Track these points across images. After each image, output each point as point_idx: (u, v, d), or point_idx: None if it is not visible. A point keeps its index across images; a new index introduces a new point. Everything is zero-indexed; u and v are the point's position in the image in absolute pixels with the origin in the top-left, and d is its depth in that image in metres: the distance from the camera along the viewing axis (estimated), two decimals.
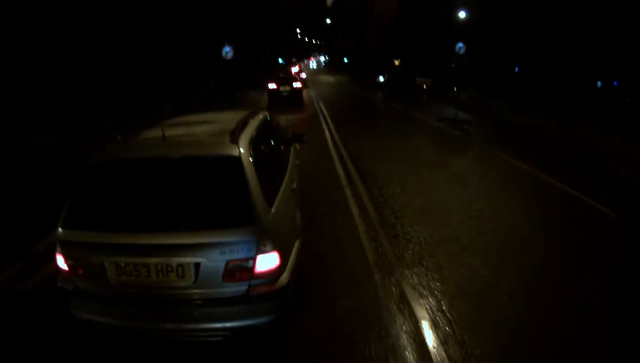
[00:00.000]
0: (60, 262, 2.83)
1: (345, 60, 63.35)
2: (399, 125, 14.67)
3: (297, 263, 3.21)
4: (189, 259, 2.63)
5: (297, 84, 19.75)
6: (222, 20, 25.26)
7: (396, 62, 38.07)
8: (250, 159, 2.95)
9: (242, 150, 2.93)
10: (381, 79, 33.43)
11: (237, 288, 2.71)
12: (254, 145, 3.23)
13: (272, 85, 19.47)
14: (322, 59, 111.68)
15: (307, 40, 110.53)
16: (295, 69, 44.66)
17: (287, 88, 19.32)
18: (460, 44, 16.57)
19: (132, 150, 3.10)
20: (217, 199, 2.79)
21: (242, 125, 3.47)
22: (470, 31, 22.10)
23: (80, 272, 2.77)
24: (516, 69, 25.00)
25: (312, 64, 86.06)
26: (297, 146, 6.21)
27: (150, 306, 2.77)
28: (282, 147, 4.58)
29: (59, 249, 2.81)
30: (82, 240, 2.74)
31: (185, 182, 2.87)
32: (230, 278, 2.68)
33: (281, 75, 21.45)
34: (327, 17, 75.33)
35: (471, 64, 21.39)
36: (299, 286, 3.40)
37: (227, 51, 17.38)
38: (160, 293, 2.72)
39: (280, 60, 60.27)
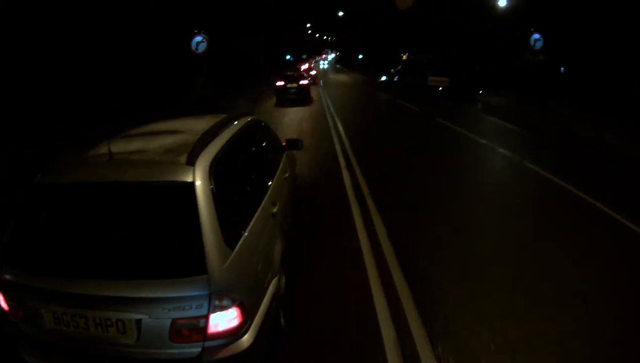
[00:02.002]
0: (1, 301, 2.48)
1: (360, 56, 61.13)
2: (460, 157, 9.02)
3: (269, 313, 2.67)
4: (129, 315, 2.18)
5: (303, 81, 19.89)
6: (209, 17, 22.58)
7: (404, 57, 27.46)
8: (210, 184, 2.39)
9: (198, 175, 2.37)
10: (383, 78, 26.41)
11: (187, 350, 2.22)
12: (221, 164, 2.67)
13: (279, 83, 19.70)
14: (332, 55, 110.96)
15: (317, 36, 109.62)
16: (304, 66, 43.70)
17: (294, 85, 19.50)
18: (536, 36, 12.83)
19: (71, 171, 2.60)
20: (163, 240, 2.27)
21: (208, 137, 2.89)
22: (509, 22, 19.32)
23: (20, 314, 2.44)
24: (562, 68, 20.48)
25: (323, 64, 76.10)
26: (294, 154, 5.71)
27: (92, 361, 2.36)
28: (266, 160, 3.99)
29: None
30: (17, 282, 2.39)
31: (128, 215, 2.37)
32: (179, 338, 2.20)
33: (288, 73, 21.39)
34: (340, 10, 73.46)
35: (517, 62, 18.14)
36: (274, 338, 2.87)
37: (199, 42, 11.98)
38: (101, 349, 2.30)
39: (288, 57, 59.50)
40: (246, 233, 2.61)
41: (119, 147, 2.78)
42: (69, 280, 2.24)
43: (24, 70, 11.41)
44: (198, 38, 12.14)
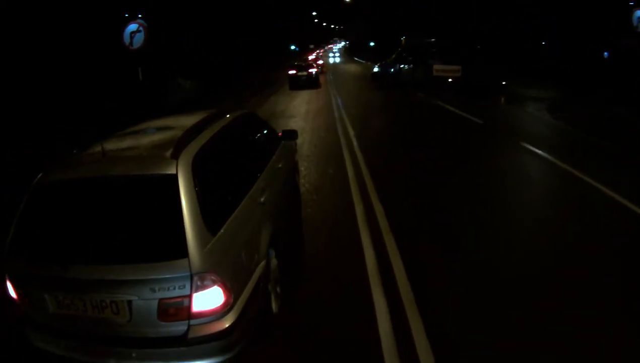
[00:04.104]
0: (10, 290, 2.74)
1: (372, 44, 58.57)
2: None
3: (254, 295, 2.85)
4: (121, 296, 2.42)
5: (312, 70, 22.63)
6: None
7: (403, 41, 21.66)
8: (193, 176, 2.60)
9: (181, 167, 2.58)
10: (376, 69, 21.89)
11: (174, 328, 2.44)
12: (205, 156, 2.88)
13: (292, 72, 22.39)
14: (342, 44, 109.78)
15: (324, 25, 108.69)
16: (312, 57, 44.12)
17: (305, 73, 22.22)
18: None
19: (70, 169, 2.85)
20: (148, 227, 2.50)
21: (195, 131, 3.12)
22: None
23: (27, 301, 2.71)
24: (605, 54, 18.16)
25: (334, 57, 65.98)
26: (294, 144, 5.94)
27: (92, 341, 2.62)
28: (256, 152, 4.17)
29: (7, 277, 2.73)
30: (24, 271, 2.65)
31: (118, 206, 2.61)
32: (166, 317, 2.42)
33: (296, 63, 24.17)
34: None
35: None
36: (262, 321, 3.05)
37: (133, 32, 8.43)
38: (99, 329, 2.57)
39: (293, 47, 58.76)
40: (229, 221, 2.79)
41: (113, 144, 3.02)
42: (67, 267, 2.48)
43: (24, 71, 11.57)
44: (132, 27, 8.45)
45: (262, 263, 3.10)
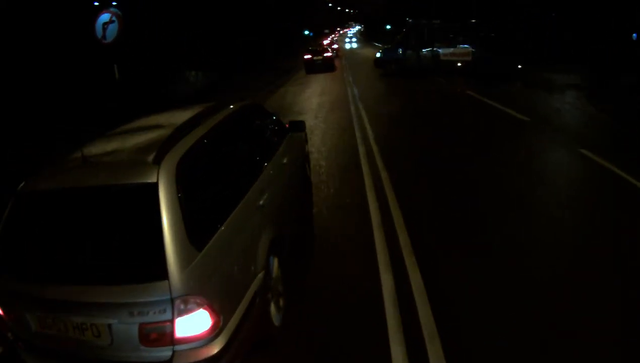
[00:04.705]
0: None
1: (388, 27, 56.16)
2: None
3: (248, 313, 2.59)
4: (99, 320, 2.22)
5: (327, 54, 23.53)
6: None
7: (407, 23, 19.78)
8: (176, 184, 2.33)
9: (163, 174, 2.32)
10: (378, 54, 19.57)
11: (158, 353, 2.23)
12: (193, 159, 2.61)
13: (307, 57, 23.16)
14: (357, 28, 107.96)
15: (339, 9, 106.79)
16: (326, 41, 43.52)
17: (320, 57, 23.06)
18: None
19: (48, 178, 2.62)
20: (127, 244, 2.27)
21: (185, 129, 2.84)
22: None
23: (12, 318, 2.55)
24: (634, 35, 17.08)
25: (350, 42, 61.75)
26: (304, 135, 5.71)
27: None
28: (256, 148, 3.84)
29: None
30: (5, 288, 2.49)
31: (96, 219, 2.39)
32: (147, 343, 2.21)
33: (310, 48, 24.64)
34: None
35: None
36: (262, 335, 2.82)
37: (106, 23, 7.19)
38: (82, 352, 2.38)
39: (306, 32, 57.85)
40: (219, 232, 2.54)
41: (96, 148, 2.79)
42: (46, 286, 2.30)
43: (24, 71, 11.38)
44: (104, 17, 7.22)
45: (260, 275, 2.85)
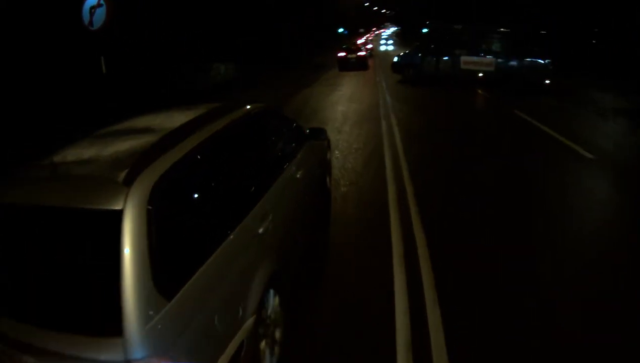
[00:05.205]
0: None
1: (425, 30, 54.34)
2: None
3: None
4: None
5: (361, 53, 24.44)
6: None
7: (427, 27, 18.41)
8: (147, 213, 1.85)
9: (132, 199, 1.84)
10: (396, 59, 17.97)
11: None
12: (179, 178, 2.16)
13: (341, 54, 24.07)
14: (393, 29, 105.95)
15: (375, 9, 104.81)
16: (361, 41, 43.45)
17: (354, 56, 23.98)
18: None
19: (7, 189, 2.20)
20: (83, 285, 1.83)
21: (174, 138, 2.39)
22: None
23: None
24: None
25: (385, 44, 55.97)
26: (326, 143, 5.16)
27: None
28: (263, 162, 3.26)
29: None
30: None
31: (52, 247, 1.95)
32: None
33: (345, 46, 25.73)
34: None
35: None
36: None
37: (92, 7, 6.35)
38: None
39: (341, 30, 56.88)
40: (199, 273, 2.04)
41: (72, 153, 2.36)
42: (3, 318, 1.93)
43: (24, 71, 11.20)
44: (91, 1, 6.37)
45: (250, 321, 2.33)
